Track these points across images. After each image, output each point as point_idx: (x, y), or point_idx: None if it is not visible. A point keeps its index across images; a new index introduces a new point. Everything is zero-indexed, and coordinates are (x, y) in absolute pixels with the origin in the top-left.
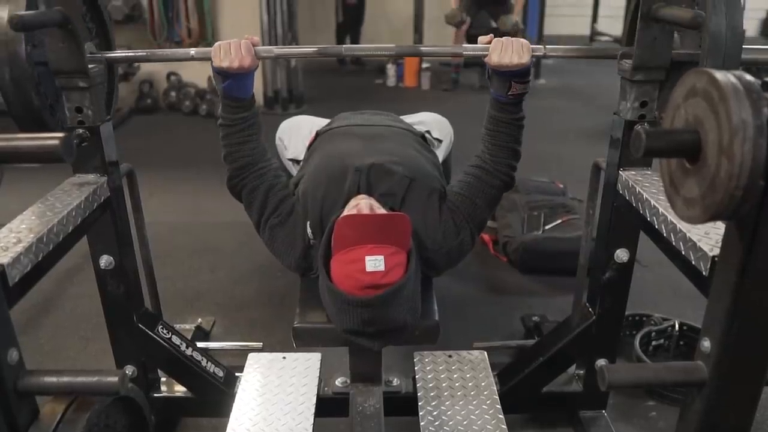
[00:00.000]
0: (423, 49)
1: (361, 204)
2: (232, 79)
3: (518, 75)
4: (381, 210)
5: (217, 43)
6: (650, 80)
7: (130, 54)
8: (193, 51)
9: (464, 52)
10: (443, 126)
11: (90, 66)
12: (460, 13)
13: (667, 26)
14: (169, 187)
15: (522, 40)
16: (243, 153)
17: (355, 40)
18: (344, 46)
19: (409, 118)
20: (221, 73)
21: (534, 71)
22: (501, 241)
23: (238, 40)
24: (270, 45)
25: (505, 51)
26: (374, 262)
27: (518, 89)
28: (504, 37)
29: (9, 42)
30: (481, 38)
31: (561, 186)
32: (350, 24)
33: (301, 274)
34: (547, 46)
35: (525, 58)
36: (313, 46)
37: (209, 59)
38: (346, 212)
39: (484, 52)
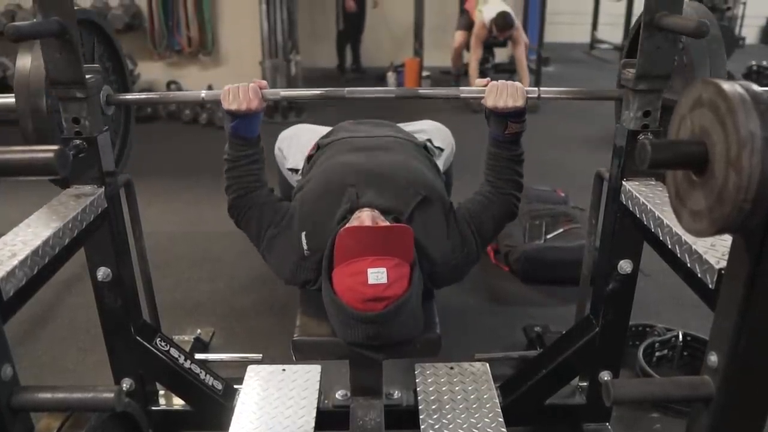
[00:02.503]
0: (421, 92)
1: (363, 216)
2: (240, 120)
3: (514, 115)
4: (384, 223)
5: (226, 87)
6: (653, 89)
7: (142, 97)
8: (203, 94)
9: (461, 95)
10: (444, 134)
11: (87, 76)
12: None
13: (670, 35)
14: (168, 196)
15: (517, 83)
16: (243, 184)
17: (356, 48)
18: (346, 89)
19: (409, 127)
20: (230, 114)
21: (535, 79)
22: (502, 250)
23: (246, 84)
24: (270, 53)
25: (501, 94)
26: (377, 275)
27: (515, 128)
28: (499, 81)
29: (31, 95)
30: (478, 81)
31: (563, 194)
32: (351, 32)
33: (300, 287)
34: (541, 89)
35: (519, 101)
36: (317, 89)
37: (219, 101)
38: (348, 224)
39: (480, 95)
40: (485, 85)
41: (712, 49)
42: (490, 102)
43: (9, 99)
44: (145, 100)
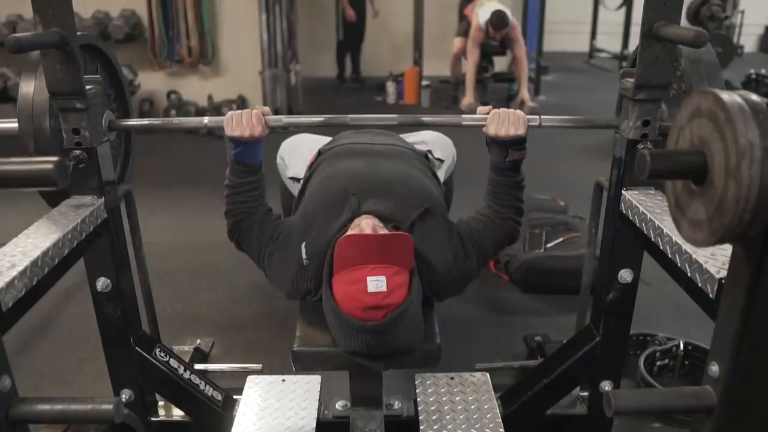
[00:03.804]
0: (424, 119)
1: (363, 224)
2: (243, 147)
3: (515, 143)
4: (384, 231)
5: (229, 113)
6: (652, 99)
7: (145, 123)
8: (206, 120)
9: (463, 122)
10: (445, 145)
11: (87, 87)
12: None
13: (669, 45)
14: (168, 206)
15: (518, 111)
16: (243, 209)
17: (356, 58)
18: (349, 116)
19: (410, 137)
20: (233, 140)
21: (534, 88)
22: (503, 259)
23: (249, 111)
24: (270, 63)
25: (502, 123)
26: (376, 283)
27: (515, 156)
28: (501, 109)
29: (36, 116)
30: (480, 108)
31: (562, 203)
32: (351, 41)
33: (301, 299)
34: (542, 117)
35: (521, 130)
36: (321, 116)
37: (222, 128)
38: (348, 232)
39: (482, 122)
40: (487, 113)
41: (710, 74)
42: (491, 130)
43: (12, 124)
44: (147, 126)
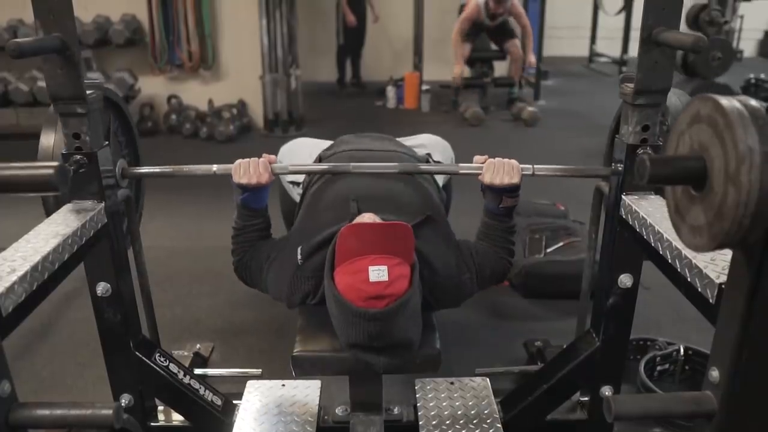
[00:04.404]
0: (422, 167)
1: (365, 217)
2: (250, 193)
3: (509, 191)
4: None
5: (237, 161)
6: (652, 104)
7: (156, 170)
8: (215, 168)
9: (460, 171)
10: (444, 149)
11: (88, 92)
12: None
13: (668, 50)
14: (169, 211)
15: (513, 161)
16: (248, 247)
17: (356, 63)
18: (352, 164)
19: (409, 141)
20: (240, 187)
21: (534, 93)
22: None
23: (256, 159)
24: (270, 68)
25: (497, 172)
26: (378, 272)
27: (509, 203)
28: (496, 159)
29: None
30: (476, 158)
31: (562, 208)
32: (351, 46)
33: (300, 303)
34: (535, 166)
35: (515, 179)
36: (324, 164)
37: (230, 175)
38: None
39: (478, 171)
40: (483, 162)
41: None
42: (487, 179)
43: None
44: (158, 174)
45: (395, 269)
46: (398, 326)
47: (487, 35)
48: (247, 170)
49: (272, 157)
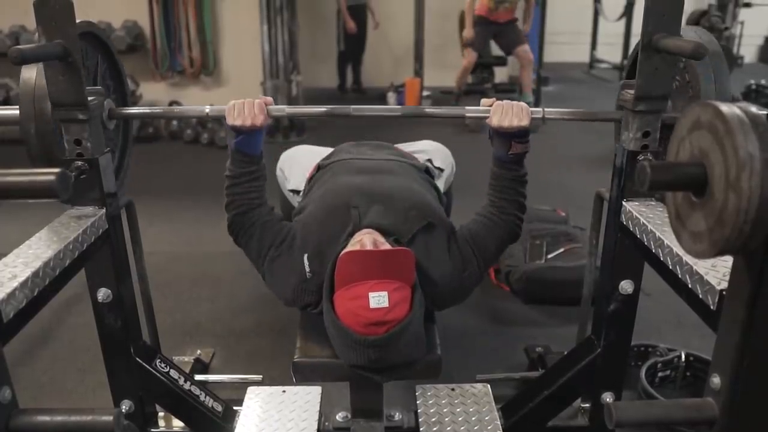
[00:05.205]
0: (427, 110)
1: (365, 239)
2: (244, 136)
3: (518, 136)
4: (385, 245)
5: (231, 102)
6: (652, 110)
7: (146, 111)
8: (207, 109)
9: (467, 114)
10: (444, 155)
11: (90, 98)
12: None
13: (668, 57)
14: (169, 216)
15: (522, 103)
16: (244, 201)
17: (357, 68)
18: (352, 107)
19: (409, 147)
20: (234, 129)
21: (534, 99)
22: (503, 270)
23: (251, 100)
24: (271, 74)
25: (506, 114)
26: (378, 299)
27: (519, 149)
28: (504, 101)
29: (38, 100)
30: (483, 101)
31: (563, 214)
32: (352, 52)
33: (301, 309)
34: (545, 109)
35: (524, 121)
36: (323, 107)
37: (224, 117)
38: (349, 248)
39: (485, 114)
40: (490, 105)
41: (715, 64)
42: (495, 121)
43: (13, 111)
44: (148, 114)
45: (395, 294)
46: (399, 350)
47: (494, 41)
48: (241, 111)
49: (268, 99)
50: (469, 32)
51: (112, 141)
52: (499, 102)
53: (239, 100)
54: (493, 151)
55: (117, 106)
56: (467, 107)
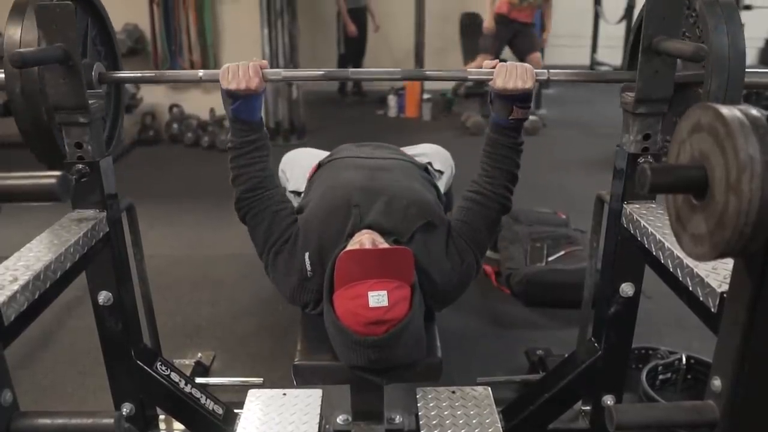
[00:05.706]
0: (428, 73)
1: (364, 239)
2: (241, 102)
3: (520, 99)
4: (384, 245)
5: (225, 65)
6: (653, 113)
7: (137, 74)
8: (201, 73)
9: (469, 76)
10: (444, 157)
11: (90, 102)
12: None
13: (669, 59)
14: (170, 219)
15: (526, 65)
16: (251, 174)
17: None
18: (351, 69)
19: (410, 150)
20: (230, 95)
21: (535, 101)
22: (504, 273)
23: (246, 62)
24: None
25: (510, 75)
26: (377, 298)
27: (519, 114)
28: (509, 62)
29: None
30: (486, 62)
31: (563, 217)
32: (352, 56)
33: (301, 308)
34: (550, 71)
35: (529, 83)
36: (320, 69)
37: (217, 81)
38: (348, 247)
39: (489, 76)
40: (494, 67)
41: (727, 15)
42: (499, 83)
43: None
44: (138, 79)
45: (395, 293)
46: (399, 350)
47: (510, 45)
48: (236, 74)
49: (263, 61)
50: (489, 23)
51: (103, 109)
52: (503, 63)
53: (233, 63)
54: (492, 116)
55: (108, 70)
56: (470, 68)
